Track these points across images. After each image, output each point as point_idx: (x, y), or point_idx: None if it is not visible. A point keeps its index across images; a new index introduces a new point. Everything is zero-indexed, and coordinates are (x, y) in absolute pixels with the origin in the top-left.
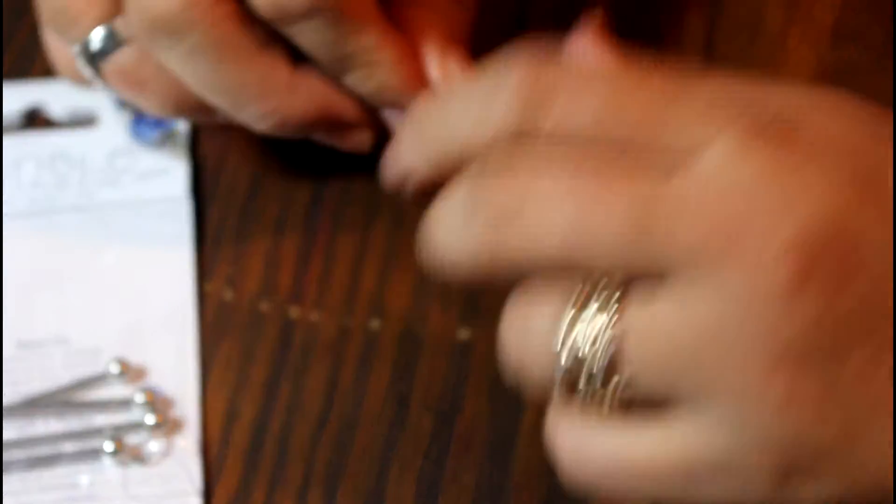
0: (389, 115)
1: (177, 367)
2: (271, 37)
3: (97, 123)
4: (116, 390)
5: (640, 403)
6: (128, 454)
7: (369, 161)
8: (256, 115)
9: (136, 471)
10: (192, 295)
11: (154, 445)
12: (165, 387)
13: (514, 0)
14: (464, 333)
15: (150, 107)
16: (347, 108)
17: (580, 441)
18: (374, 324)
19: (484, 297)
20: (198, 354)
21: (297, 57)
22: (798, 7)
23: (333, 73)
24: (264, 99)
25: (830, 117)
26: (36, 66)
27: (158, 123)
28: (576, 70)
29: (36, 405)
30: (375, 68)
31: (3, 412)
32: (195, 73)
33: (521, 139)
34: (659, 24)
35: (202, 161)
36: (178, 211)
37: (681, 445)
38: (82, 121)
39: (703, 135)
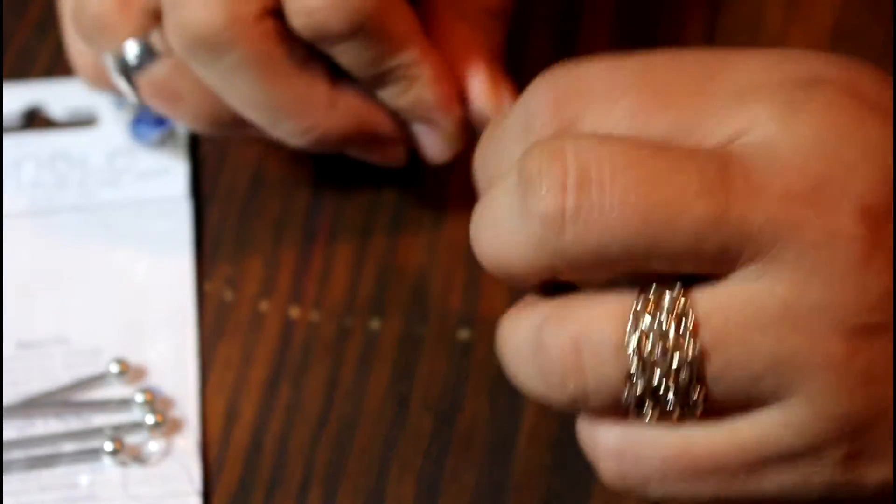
0: (420, 131)
1: (177, 367)
2: (311, 53)
3: (97, 123)
4: (116, 390)
5: (721, 402)
6: (128, 454)
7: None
8: (295, 131)
9: (135, 471)
10: (192, 295)
11: (154, 445)
12: (165, 387)
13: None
14: (464, 333)
15: (185, 120)
16: (384, 124)
17: (629, 441)
18: (374, 324)
19: (484, 297)
20: (198, 354)
21: (335, 71)
22: (798, 7)
23: (370, 88)
24: (303, 116)
25: (859, 75)
26: (36, 66)
27: (158, 123)
28: (598, 74)
29: (36, 405)
30: (413, 83)
31: (3, 412)
32: (234, 89)
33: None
34: (659, 24)
35: (202, 161)
36: (178, 211)
37: (752, 436)
38: (82, 121)
39: (745, 116)
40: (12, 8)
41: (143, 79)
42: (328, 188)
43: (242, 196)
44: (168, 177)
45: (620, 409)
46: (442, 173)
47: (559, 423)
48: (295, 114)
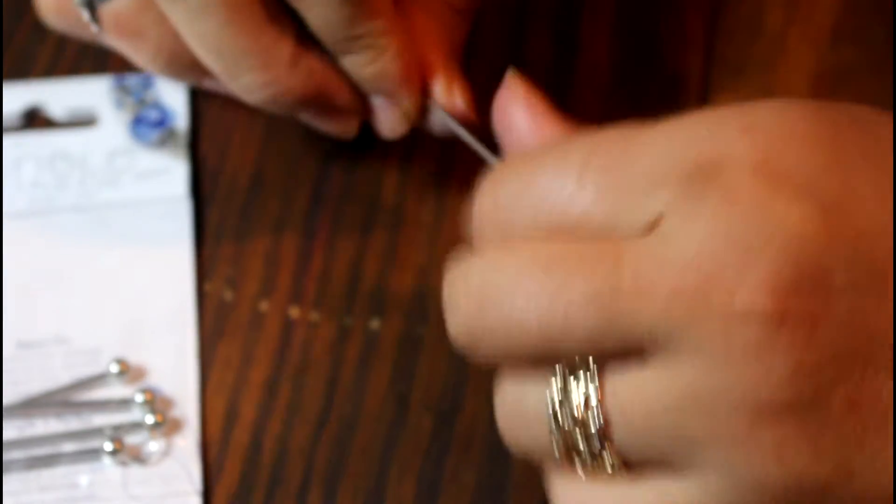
0: (378, 104)
1: (177, 367)
2: (281, 9)
3: (97, 123)
4: (116, 390)
5: (639, 463)
6: (128, 454)
7: (369, 162)
8: (252, 84)
9: (135, 471)
10: (192, 295)
11: (154, 445)
12: (165, 387)
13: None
14: None
15: (142, 59)
16: (342, 92)
17: (583, 497)
18: (374, 324)
19: None
20: (198, 354)
21: (302, 35)
22: (798, 7)
23: (336, 53)
24: (264, 70)
25: (773, 145)
26: (36, 66)
27: (158, 123)
28: (507, 171)
29: (36, 405)
30: (379, 53)
31: (3, 412)
32: (199, 31)
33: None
34: (659, 24)
35: (202, 161)
36: (178, 211)
37: (682, 500)
38: (82, 121)
39: (654, 203)
40: (12, 8)
41: (107, 11)
42: (328, 188)
43: (242, 196)
44: (168, 177)
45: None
46: (442, 173)
47: None
48: (257, 66)
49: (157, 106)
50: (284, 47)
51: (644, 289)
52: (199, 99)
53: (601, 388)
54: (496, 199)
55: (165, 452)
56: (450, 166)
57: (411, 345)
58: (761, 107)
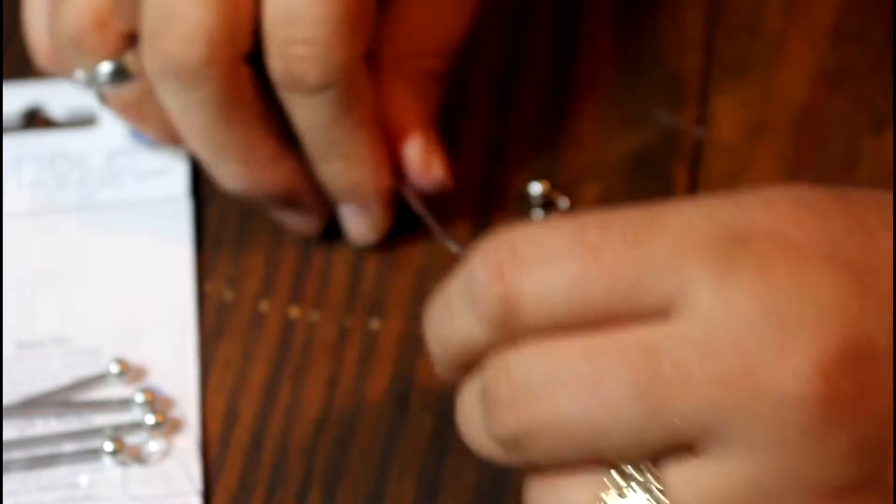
0: (348, 212)
1: (177, 367)
2: (269, 107)
3: (97, 123)
4: (116, 390)
5: None
6: (128, 454)
7: None
8: (230, 175)
9: (135, 471)
10: (193, 295)
11: (154, 445)
12: (165, 387)
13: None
14: None
15: (146, 133)
16: (312, 196)
17: None
18: (374, 324)
19: None
20: (198, 354)
21: (286, 135)
22: (798, 7)
23: (315, 158)
24: (244, 164)
25: (786, 219)
26: (36, 66)
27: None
28: (534, 240)
29: (36, 405)
30: (357, 165)
31: (3, 412)
32: (192, 122)
33: (513, 342)
34: (659, 24)
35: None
36: (178, 211)
37: None
38: (82, 121)
39: (678, 278)
40: (12, 8)
41: (113, 95)
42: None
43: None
44: (168, 177)
45: None
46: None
47: None
48: (238, 160)
49: None
50: (268, 146)
51: (689, 377)
52: None
53: (662, 492)
54: (521, 285)
55: (165, 452)
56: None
57: (411, 345)
58: (772, 187)
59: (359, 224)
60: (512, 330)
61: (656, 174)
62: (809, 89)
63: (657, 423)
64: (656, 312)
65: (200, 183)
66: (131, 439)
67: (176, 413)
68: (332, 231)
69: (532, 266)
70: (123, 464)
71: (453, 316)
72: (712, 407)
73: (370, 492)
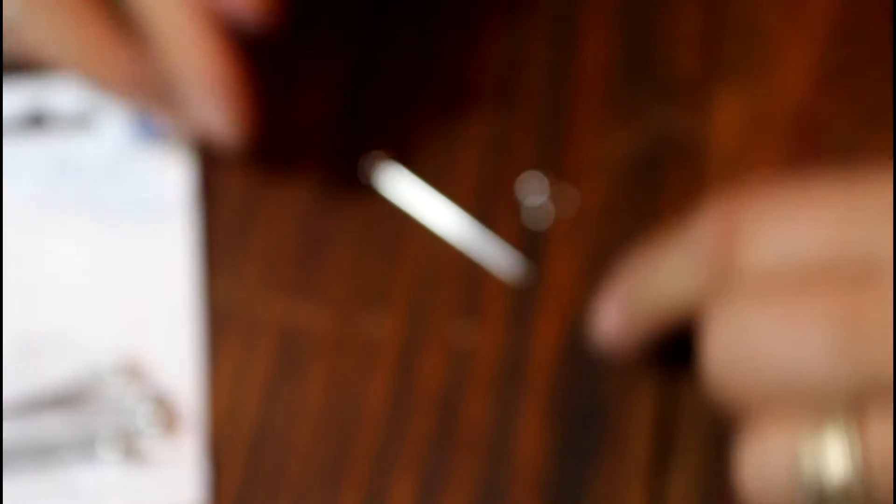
0: (199, 108)
1: (178, 367)
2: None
3: (98, 123)
4: (118, 390)
5: None
6: (128, 454)
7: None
8: (95, 76)
9: (137, 470)
10: (193, 294)
11: (155, 445)
12: (167, 386)
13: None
14: (464, 333)
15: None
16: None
17: None
18: (374, 324)
19: (484, 296)
20: (199, 354)
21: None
22: (798, 7)
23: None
24: (93, 61)
25: None
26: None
27: (159, 124)
28: (755, 208)
29: (37, 405)
30: (197, 45)
31: (3, 412)
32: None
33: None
34: (659, 24)
35: (203, 161)
36: (178, 210)
37: None
38: (83, 121)
39: (883, 239)
40: None
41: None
42: (328, 187)
43: (243, 196)
44: (170, 176)
45: None
46: (443, 172)
47: (559, 422)
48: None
49: None
50: (116, 39)
51: (888, 332)
52: None
53: (860, 437)
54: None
55: (167, 452)
56: (452, 166)
57: (411, 345)
58: None
59: (214, 119)
60: (729, 283)
61: (656, 174)
62: (809, 89)
63: (854, 366)
64: (865, 275)
65: (201, 182)
66: (132, 439)
67: (177, 412)
68: (331, 230)
69: (758, 223)
70: (124, 464)
71: (672, 266)
72: None
73: (370, 492)
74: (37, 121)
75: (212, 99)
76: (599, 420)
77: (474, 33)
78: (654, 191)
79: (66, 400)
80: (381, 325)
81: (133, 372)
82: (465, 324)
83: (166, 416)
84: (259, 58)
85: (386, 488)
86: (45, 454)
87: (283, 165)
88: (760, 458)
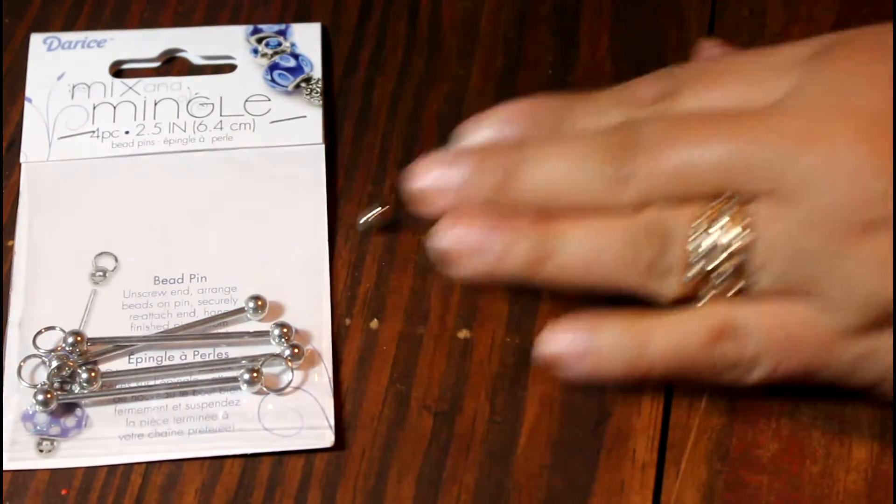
0: None
1: (311, 305)
2: None
3: (234, 70)
4: (252, 324)
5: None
6: (264, 384)
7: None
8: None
9: (271, 401)
10: (326, 237)
11: (289, 376)
12: (301, 323)
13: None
14: (463, 333)
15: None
16: None
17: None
18: (374, 324)
19: (484, 296)
20: (331, 293)
21: None
22: (798, 7)
23: None
24: None
25: (884, 34)
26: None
27: (294, 71)
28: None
29: (173, 337)
30: None
31: (142, 342)
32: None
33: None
34: (659, 24)
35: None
36: (312, 157)
37: (802, 315)
38: (219, 66)
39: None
40: (12, 8)
41: None
42: (328, 187)
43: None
44: (303, 123)
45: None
46: None
47: (559, 422)
48: None
49: (293, 54)
50: None
51: (768, 129)
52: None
53: (749, 227)
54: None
55: (301, 384)
56: None
57: (411, 345)
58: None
59: None
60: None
61: None
62: None
63: (742, 174)
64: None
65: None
66: (268, 370)
67: (311, 348)
68: (333, 227)
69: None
70: (260, 394)
71: (599, 110)
72: (784, 155)
73: (370, 492)
74: (175, 64)
75: None
76: (600, 420)
77: (474, 34)
78: None
79: (203, 332)
80: (381, 325)
81: (268, 308)
82: (464, 323)
83: (301, 349)
84: None
85: (386, 488)
86: (182, 383)
87: None
88: (656, 222)
